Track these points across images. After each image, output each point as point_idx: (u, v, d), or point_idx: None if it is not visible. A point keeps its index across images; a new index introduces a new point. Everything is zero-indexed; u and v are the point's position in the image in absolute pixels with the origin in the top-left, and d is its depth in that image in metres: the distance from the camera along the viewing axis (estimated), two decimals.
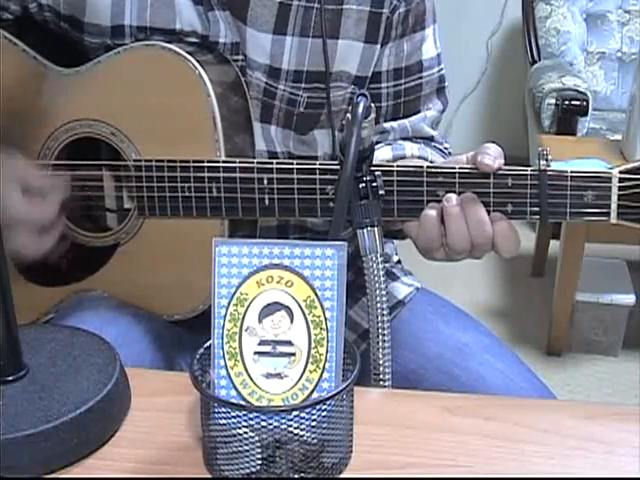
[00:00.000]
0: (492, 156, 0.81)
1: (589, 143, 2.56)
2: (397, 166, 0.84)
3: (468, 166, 0.83)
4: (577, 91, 2.87)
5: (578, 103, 2.84)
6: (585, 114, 2.86)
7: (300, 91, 0.97)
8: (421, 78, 1.03)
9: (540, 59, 3.29)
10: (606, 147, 2.38)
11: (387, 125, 1.03)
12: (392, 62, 1.01)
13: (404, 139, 1.05)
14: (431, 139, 1.07)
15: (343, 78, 0.97)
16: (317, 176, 0.86)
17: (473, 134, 3.86)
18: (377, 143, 1.03)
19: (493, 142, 0.84)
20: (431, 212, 0.83)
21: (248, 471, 0.63)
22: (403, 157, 1.01)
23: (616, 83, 3.32)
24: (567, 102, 2.84)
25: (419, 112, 1.05)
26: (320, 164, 0.86)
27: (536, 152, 0.82)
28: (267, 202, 0.88)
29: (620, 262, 2.58)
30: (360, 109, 0.75)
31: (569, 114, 2.84)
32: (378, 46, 0.98)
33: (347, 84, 0.98)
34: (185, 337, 0.96)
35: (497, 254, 0.83)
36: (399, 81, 1.02)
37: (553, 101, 2.87)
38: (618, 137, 2.44)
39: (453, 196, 0.82)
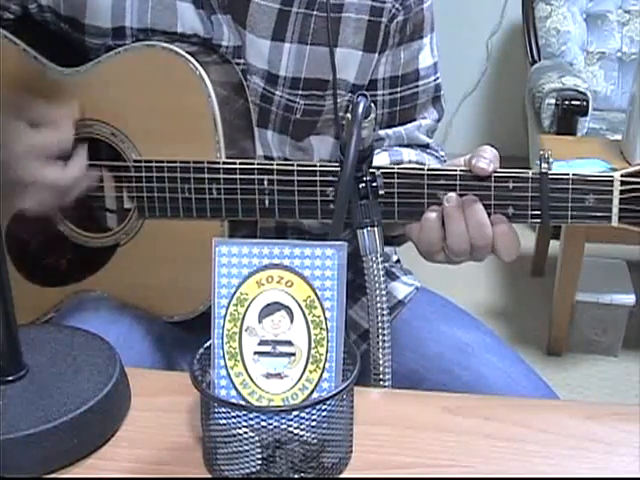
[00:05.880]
0: (487, 159, 0.81)
1: (589, 143, 2.55)
2: (398, 168, 0.84)
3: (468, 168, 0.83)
4: (577, 91, 2.87)
5: (578, 103, 2.84)
6: (585, 114, 2.85)
7: (297, 98, 0.97)
8: (417, 87, 1.03)
9: (540, 59, 3.29)
10: (606, 147, 2.38)
11: (382, 132, 1.03)
12: (389, 70, 1.00)
13: (400, 146, 1.04)
14: (426, 147, 1.07)
15: (341, 86, 0.97)
16: (317, 178, 0.86)
17: (473, 134, 3.86)
18: None
19: (490, 144, 0.84)
20: (432, 214, 0.83)
21: (248, 471, 0.63)
22: (400, 162, 1.00)
23: (616, 83, 3.32)
24: (567, 102, 2.84)
25: (414, 120, 1.05)
26: (321, 165, 0.86)
27: (536, 152, 0.82)
28: (267, 203, 0.88)
29: (620, 262, 2.58)
30: (360, 109, 0.75)
31: (569, 114, 2.84)
32: (376, 54, 0.98)
33: (345, 92, 0.98)
34: (186, 338, 0.96)
35: (497, 257, 0.83)
36: (395, 89, 1.02)
37: (553, 101, 2.87)
38: (618, 137, 2.43)
39: (453, 196, 0.82)
